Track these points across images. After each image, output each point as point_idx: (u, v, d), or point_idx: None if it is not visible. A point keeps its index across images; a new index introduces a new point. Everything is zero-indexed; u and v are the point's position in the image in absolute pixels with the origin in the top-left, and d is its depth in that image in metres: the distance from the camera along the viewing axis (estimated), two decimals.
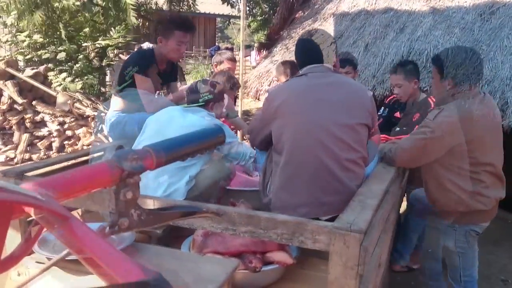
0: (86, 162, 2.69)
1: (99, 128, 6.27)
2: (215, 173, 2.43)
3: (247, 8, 10.38)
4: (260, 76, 5.96)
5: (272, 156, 2.25)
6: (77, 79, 7.24)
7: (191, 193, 2.37)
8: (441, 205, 2.57)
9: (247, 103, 8.24)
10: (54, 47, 7.50)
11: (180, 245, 2.11)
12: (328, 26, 5.92)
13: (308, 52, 2.25)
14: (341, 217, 1.58)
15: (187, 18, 3.15)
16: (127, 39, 8.48)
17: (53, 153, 6.34)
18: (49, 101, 6.72)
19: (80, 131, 6.51)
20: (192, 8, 10.22)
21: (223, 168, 2.46)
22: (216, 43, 19.99)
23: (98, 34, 7.95)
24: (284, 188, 2.13)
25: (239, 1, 10.08)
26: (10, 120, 6.34)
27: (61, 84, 6.80)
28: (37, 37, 7.51)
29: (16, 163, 5.90)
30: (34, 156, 6.20)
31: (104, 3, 7.67)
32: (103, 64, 8.40)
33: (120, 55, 9.34)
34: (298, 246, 1.97)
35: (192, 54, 16.53)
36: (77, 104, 6.64)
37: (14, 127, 6.36)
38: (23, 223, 1.96)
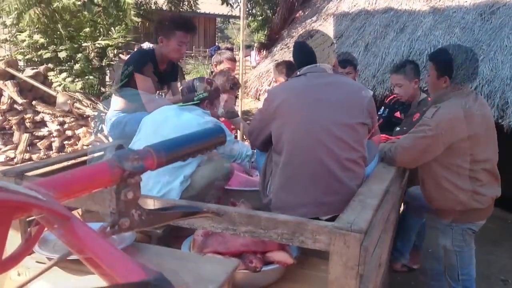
0: (86, 162, 2.70)
1: (99, 128, 6.27)
2: (211, 173, 2.40)
3: (247, 8, 10.38)
4: (260, 76, 5.96)
5: (272, 156, 2.25)
6: (77, 79, 7.23)
7: (186, 193, 2.34)
8: (438, 204, 2.59)
9: (247, 103, 8.24)
10: (54, 46, 7.49)
11: (180, 245, 2.11)
12: (328, 26, 5.93)
13: (307, 53, 2.25)
14: (342, 217, 1.58)
15: (189, 19, 3.14)
16: (127, 39, 8.48)
17: (53, 153, 6.34)
18: (49, 101, 6.72)
19: (80, 131, 6.51)
20: (193, 8, 10.21)
21: (219, 167, 2.43)
22: (216, 43, 19.98)
23: (98, 34, 7.95)
24: (284, 188, 2.13)
25: (239, 1, 10.08)
26: (10, 120, 6.34)
27: (61, 84, 6.80)
28: (37, 37, 7.50)
29: (16, 163, 5.90)
30: (34, 156, 6.20)
31: (104, 2, 7.67)
32: (103, 64, 8.40)
33: (120, 55, 9.35)
34: (299, 246, 1.97)
35: (192, 54, 16.53)
36: (77, 104, 6.64)
37: (14, 127, 6.36)
38: (23, 223, 1.96)
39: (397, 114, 3.56)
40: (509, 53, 4.29)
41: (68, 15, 7.65)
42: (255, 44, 12.07)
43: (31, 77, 6.59)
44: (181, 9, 10.19)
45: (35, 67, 7.16)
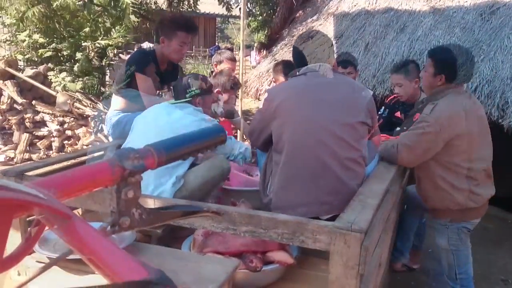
0: (86, 161, 2.69)
1: (99, 128, 6.27)
2: (205, 172, 2.36)
3: (247, 8, 10.37)
4: (260, 75, 5.96)
5: (272, 156, 2.25)
6: (76, 79, 7.23)
7: (179, 194, 2.29)
8: (433, 204, 2.60)
9: (247, 103, 8.24)
10: (55, 45, 7.49)
11: (180, 245, 2.11)
12: (329, 26, 5.93)
13: (304, 58, 2.26)
14: (342, 216, 1.58)
15: (190, 19, 3.14)
16: (127, 39, 8.47)
17: (53, 153, 6.34)
18: (49, 100, 6.72)
19: (80, 131, 6.51)
20: (193, 8, 10.21)
21: (214, 166, 2.39)
22: (216, 43, 19.99)
23: (98, 34, 7.95)
24: (284, 187, 2.13)
25: (239, 1, 10.08)
26: (10, 119, 6.34)
27: (61, 83, 6.80)
28: (36, 36, 7.50)
29: (16, 163, 5.90)
30: (34, 156, 6.20)
31: (104, 2, 7.67)
32: (103, 63, 8.40)
33: (120, 55, 9.34)
34: (299, 246, 1.97)
35: (192, 54, 16.53)
36: (77, 104, 6.64)
37: (14, 126, 6.35)
38: (23, 222, 1.96)
39: (397, 114, 3.56)
40: (509, 53, 4.29)
41: (68, 15, 7.65)
42: (255, 44, 12.07)
43: (31, 76, 6.58)
44: (181, 9, 10.18)
45: (35, 67, 7.16)
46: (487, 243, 4.04)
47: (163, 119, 2.38)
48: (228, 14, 11.86)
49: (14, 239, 0.50)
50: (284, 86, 2.42)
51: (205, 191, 2.36)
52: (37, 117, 6.48)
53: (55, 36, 7.59)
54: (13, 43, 7.95)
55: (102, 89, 8.50)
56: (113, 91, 3.25)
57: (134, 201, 0.65)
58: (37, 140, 6.43)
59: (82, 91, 7.09)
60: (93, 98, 7.01)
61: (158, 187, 2.25)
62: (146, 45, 10.03)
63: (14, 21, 7.26)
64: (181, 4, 10.07)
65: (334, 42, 5.46)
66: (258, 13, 11.27)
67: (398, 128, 3.33)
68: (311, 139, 2.08)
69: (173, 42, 2.94)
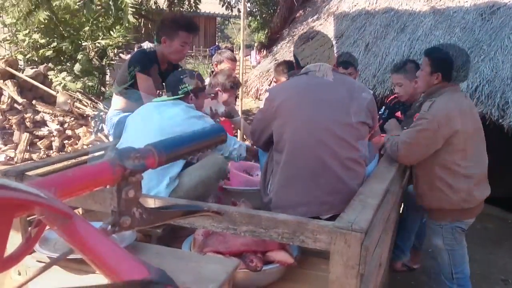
0: (86, 161, 2.69)
1: (99, 128, 6.26)
2: (201, 172, 2.32)
3: (248, 8, 10.37)
4: (260, 75, 5.96)
5: (273, 155, 2.25)
6: (77, 79, 7.23)
7: (175, 195, 2.24)
8: (429, 203, 2.62)
9: (247, 102, 8.24)
10: (55, 44, 7.49)
11: (180, 244, 2.11)
12: (329, 26, 5.93)
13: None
14: (342, 216, 1.58)
15: (191, 19, 3.14)
16: (127, 38, 8.47)
17: (53, 153, 6.34)
18: (49, 100, 6.71)
19: (80, 131, 6.51)
20: (193, 8, 10.20)
21: (210, 165, 2.35)
22: (216, 43, 19.99)
23: (98, 34, 7.95)
24: (285, 187, 2.13)
25: (239, 1, 10.08)
26: (10, 119, 6.34)
27: (61, 83, 6.80)
28: (36, 36, 7.50)
29: (16, 163, 5.90)
30: (34, 156, 6.20)
31: (103, 1, 7.67)
32: (103, 63, 8.40)
33: (121, 55, 9.34)
34: (299, 246, 1.97)
35: (192, 54, 16.53)
36: (77, 104, 6.64)
37: (14, 126, 6.36)
38: (23, 222, 1.96)
39: (398, 114, 3.56)
40: (510, 53, 4.29)
41: (67, 15, 7.65)
42: (255, 44, 12.07)
43: (31, 76, 6.58)
44: (181, 9, 10.18)
45: (35, 67, 7.16)
46: (487, 243, 4.04)
47: (154, 118, 2.35)
48: (229, 14, 11.86)
49: (14, 239, 0.50)
50: (285, 86, 2.42)
51: (201, 191, 2.32)
52: (37, 117, 6.48)
53: (55, 36, 7.59)
54: (13, 43, 7.95)
55: (102, 89, 8.50)
56: (113, 91, 3.24)
57: (135, 200, 0.65)
58: (37, 139, 6.43)
59: (82, 90, 7.09)
60: (93, 98, 7.01)
61: (151, 189, 2.22)
62: (146, 45, 10.03)
63: (14, 20, 7.26)
64: (182, 4, 10.06)
65: (334, 42, 5.46)
66: (258, 13, 11.26)
67: None
68: (311, 139, 2.08)
69: (175, 42, 2.94)
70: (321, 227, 1.52)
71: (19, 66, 7.14)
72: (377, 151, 2.59)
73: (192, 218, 1.65)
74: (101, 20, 7.94)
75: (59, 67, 7.35)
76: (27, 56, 7.66)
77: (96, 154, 2.81)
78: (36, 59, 7.66)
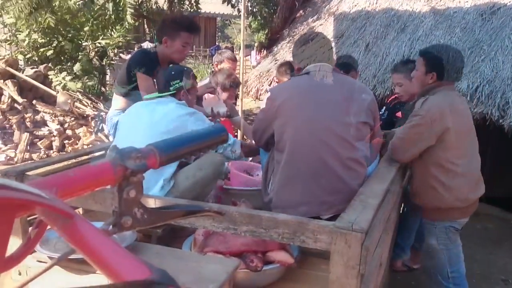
0: (87, 161, 2.70)
1: (100, 127, 6.26)
2: (196, 172, 2.28)
3: (249, 8, 10.36)
4: (261, 75, 5.96)
5: (274, 155, 2.25)
6: (77, 79, 7.24)
7: (170, 196, 2.20)
8: (422, 201, 2.64)
9: (247, 102, 8.24)
10: (56, 44, 7.50)
11: (180, 244, 2.11)
12: (329, 26, 5.93)
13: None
14: (343, 216, 1.58)
15: (193, 20, 3.14)
16: (127, 38, 8.48)
17: (53, 153, 6.34)
18: (49, 100, 6.71)
19: (80, 131, 6.51)
20: (194, 8, 10.21)
21: (206, 164, 2.31)
22: (217, 43, 19.99)
23: (99, 34, 7.95)
24: (285, 186, 2.13)
25: (240, 1, 10.07)
26: (10, 119, 6.34)
27: (61, 83, 6.80)
28: (36, 36, 7.51)
29: (16, 163, 5.89)
30: (34, 156, 6.20)
31: (103, 1, 7.68)
32: (103, 63, 8.40)
33: (121, 55, 9.34)
34: (299, 246, 1.97)
35: (193, 54, 16.53)
36: (77, 104, 6.63)
37: (14, 126, 6.35)
38: (23, 222, 1.96)
39: (398, 114, 3.56)
40: (510, 53, 4.28)
41: (67, 15, 7.65)
42: (256, 44, 12.06)
43: (31, 76, 6.58)
44: (181, 9, 10.18)
45: (35, 67, 7.16)
46: (487, 243, 4.05)
47: (145, 118, 2.31)
48: (229, 14, 11.87)
49: (13, 239, 0.50)
50: (286, 86, 2.42)
51: (198, 191, 2.29)
52: (38, 117, 6.48)
53: (55, 36, 7.59)
54: (13, 43, 7.95)
55: (102, 89, 8.50)
56: (114, 91, 3.25)
57: (136, 200, 0.64)
58: (37, 139, 6.43)
59: (82, 90, 7.10)
60: (93, 98, 7.01)
61: (146, 191, 2.17)
62: (146, 45, 10.03)
63: (15, 20, 7.26)
64: (182, 4, 10.07)
65: (334, 42, 5.47)
66: (258, 13, 11.26)
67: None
68: (312, 139, 2.09)
69: (176, 42, 2.93)
70: (322, 227, 1.52)
71: (19, 66, 7.14)
72: (378, 151, 2.59)
73: (192, 218, 1.65)
74: (100, 19, 7.95)
75: (59, 67, 7.36)
76: (27, 56, 7.66)
77: (97, 154, 2.81)
78: (36, 59, 7.66)
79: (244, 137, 4.63)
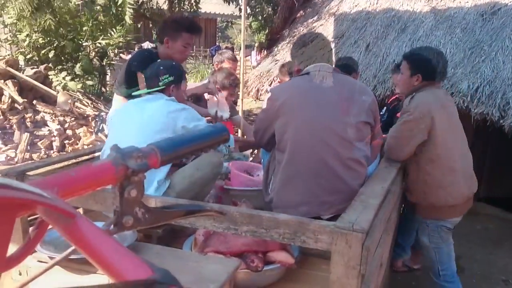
0: (87, 161, 2.69)
1: (100, 128, 6.27)
2: (193, 172, 2.26)
3: (248, 8, 10.36)
4: (261, 75, 5.95)
5: (275, 155, 2.25)
6: (77, 79, 7.24)
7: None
8: (416, 198, 2.68)
9: (247, 103, 8.24)
10: (57, 44, 7.50)
11: (180, 244, 2.11)
12: (329, 26, 5.92)
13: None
14: (343, 216, 1.58)
15: (194, 21, 3.14)
16: (128, 38, 8.48)
17: (53, 153, 6.34)
18: (49, 100, 6.71)
19: (80, 131, 6.51)
20: (194, 8, 10.21)
21: (203, 164, 2.28)
22: (217, 43, 20.00)
23: (99, 34, 7.96)
24: (286, 186, 2.13)
25: (240, 0, 10.08)
26: (10, 119, 6.34)
27: (61, 83, 6.80)
28: (36, 36, 7.51)
29: (17, 163, 5.89)
30: (35, 156, 6.20)
31: (104, 1, 7.68)
32: (104, 63, 8.40)
33: (121, 55, 9.33)
34: (300, 247, 1.97)
35: (193, 54, 16.53)
36: (77, 104, 6.63)
37: (14, 126, 6.35)
38: (23, 222, 1.96)
39: (398, 114, 3.56)
40: (510, 54, 4.28)
41: (67, 15, 7.66)
42: (256, 44, 12.07)
43: (31, 76, 6.58)
44: (182, 9, 10.19)
45: (35, 67, 7.16)
46: (487, 243, 4.05)
47: (135, 118, 2.29)
48: (229, 14, 11.87)
49: (13, 239, 0.50)
50: (287, 86, 2.43)
51: (195, 191, 2.26)
52: (38, 117, 6.48)
53: (56, 36, 7.59)
54: (13, 43, 7.95)
55: (103, 89, 8.50)
56: (115, 91, 3.25)
57: (137, 200, 0.64)
58: (37, 139, 6.43)
59: (82, 90, 7.10)
60: (93, 98, 7.01)
61: None
62: (146, 45, 10.03)
63: (15, 20, 7.27)
64: (182, 5, 10.08)
65: (335, 42, 5.46)
66: (259, 13, 11.27)
67: None
68: (313, 139, 2.09)
69: (178, 43, 2.93)
70: (322, 227, 1.52)
71: (20, 66, 7.14)
72: (378, 152, 2.59)
73: (192, 218, 1.65)
74: (99, 19, 7.95)
75: (60, 67, 7.36)
76: (28, 56, 7.67)
77: (97, 154, 2.81)
78: (37, 59, 7.67)
79: (245, 136, 4.63)
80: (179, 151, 0.72)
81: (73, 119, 6.54)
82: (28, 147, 6.23)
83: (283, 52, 6.25)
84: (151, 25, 10.67)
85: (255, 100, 7.14)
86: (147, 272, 0.42)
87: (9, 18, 7.39)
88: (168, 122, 2.23)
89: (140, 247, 1.76)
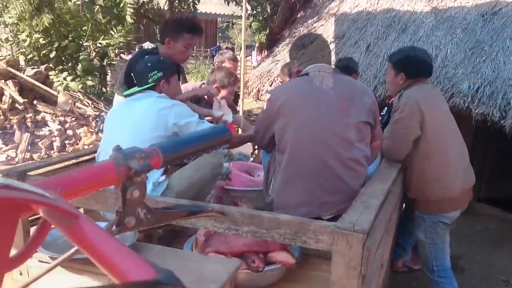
0: (88, 161, 2.70)
1: (100, 128, 6.27)
2: (192, 173, 2.25)
3: (248, 8, 10.36)
4: (261, 76, 5.95)
5: (275, 156, 2.25)
6: (77, 79, 7.25)
7: None
8: (412, 193, 2.69)
9: (248, 103, 8.24)
10: (57, 44, 7.50)
11: (180, 244, 2.11)
12: (330, 27, 5.92)
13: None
14: (344, 217, 1.58)
15: (196, 21, 3.14)
16: (128, 39, 8.49)
17: (54, 153, 6.34)
18: (50, 100, 6.71)
19: (81, 131, 6.51)
20: (191, 8, 10.21)
21: (203, 165, 2.26)
22: (217, 43, 20.00)
23: (99, 34, 7.96)
24: (286, 187, 2.13)
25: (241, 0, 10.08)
26: (11, 119, 6.34)
27: (62, 83, 6.80)
28: (37, 36, 7.51)
29: (17, 163, 5.90)
30: (35, 156, 6.20)
31: (104, 1, 7.69)
32: (104, 64, 8.41)
33: (122, 55, 9.34)
34: (300, 247, 1.97)
35: (193, 54, 16.54)
36: (78, 104, 6.64)
37: (15, 126, 6.36)
38: (24, 222, 1.96)
39: None
40: (511, 54, 4.28)
41: (67, 15, 7.67)
42: (256, 44, 12.07)
43: (32, 76, 6.59)
44: (182, 9, 10.20)
45: (36, 67, 7.16)
46: (487, 244, 4.04)
47: (126, 119, 2.27)
48: (229, 14, 11.87)
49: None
50: (286, 87, 2.42)
51: (194, 192, 2.25)
52: (38, 117, 6.48)
53: (56, 36, 7.60)
54: (14, 43, 7.96)
55: (103, 89, 8.50)
56: (115, 91, 3.25)
57: (140, 200, 0.65)
58: (38, 140, 6.43)
59: (83, 91, 7.10)
60: (94, 98, 7.02)
61: None
62: (147, 45, 10.04)
63: (16, 21, 7.27)
64: (182, 5, 10.08)
65: (335, 43, 5.46)
66: (260, 13, 11.27)
67: None
68: (313, 139, 2.09)
69: (179, 43, 2.93)
70: (323, 227, 1.52)
71: (20, 66, 7.15)
72: (378, 153, 2.59)
73: (193, 219, 1.65)
74: (98, 20, 7.96)
75: (60, 67, 7.37)
76: (28, 57, 7.67)
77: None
78: (37, 59, 7.68)
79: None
80: (181, 152, 0.73)
81: (73, 119, 6.54)
82: (29, 147, 6.24)
83: (284, 53, 6.25)
84: (146, 25, 10.68)
85: (255, 100, 7.14)
86: (150, 272, 0.42)
87: (9, 18, 7.39)
88: (159, 119, 2.21)
89: (140, 247, 1.76)
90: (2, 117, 6.35)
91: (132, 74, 2.77)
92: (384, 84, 4.75)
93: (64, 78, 6.86)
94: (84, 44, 7.87)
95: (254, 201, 2.27)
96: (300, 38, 2.44)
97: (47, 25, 6.85)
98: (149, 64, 2.39)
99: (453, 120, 2.71)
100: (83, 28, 7.80)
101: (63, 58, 7.75)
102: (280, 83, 4.07)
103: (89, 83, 7.71)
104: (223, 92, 3.42)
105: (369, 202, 1.75)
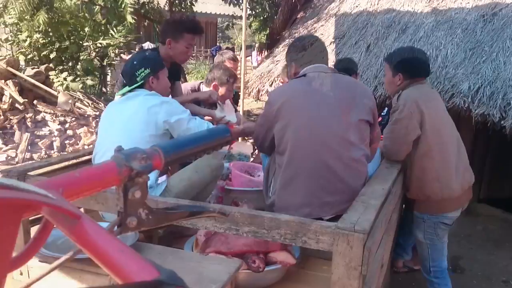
0: (88, 161, 2.70)
1: None
2: (191, 174, 2.24)
3: (248, 8, 10.36)
4: (261, 76, 5.95)
5: (275, 158, 2.25)
6: (77, 79, 7.25)
7: None
8: (411, 193, 2.69)
9: (248, 103, 8.24)
10: (58, 44, 7.51)
11: (181, 245, 2.11)
12: (330, 27, 5.93)
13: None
14: (345, 217, 1.58)
15: (197, 21, 3.14)
16: (128, 39, 8.48)
17: (54, 153, 6.34)
18: (50, 100, 6.72)
19: (81, 131, 6.51)
20: (188, 8, 10.21)
21: (202, 167, 2.26)
22: (217, 43, 19.99)
23: (99, 34, 7.96)
24: (287, 188, 2.13)
25: (241, 0, 10.08)
26: (11, 119, 6.34)
27: (62, 83, 6.81)
28: (37, 36, 7.51)
29: (17, 163, 5.90)
30: (35, 156, 6.20)
31: (104, 2, 7.69)
32: (104, 63, 8.41)
33: (122, 55, 9.33)
34: (300, 247, 1.97)
35: (194, 54, 16.53)
36: (78, 104, 6.64)
37: (15, 126, 6.36)
38: (25, 222, 1.96)
39: None
40: (511, 55, 4.28)
41: (67, 15, 7.67)
42: (256, 45, 12.06)
43: (32, 76, 6.59)
44: (182, 9, 10.19)
45: (36, 67, 7.16)
46: (488, 244, 4.05)
47: (117, 120, 2.27)
48: (230, 14, 11.87)
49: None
50: (284, 89, 2.42)
51: (193, 194, 2.24)
52: (38, 117, 6.48)
53: (56, 36, 7.60)
54: (14, 43, 7.96)
55: (103, 89, 8.50)
56: (115, 92, 3.25)
57: (141, 201, 0.65)
58: (38, 139, 6.43)
59: (83, 91, 7.11)
60: (94, 98, 7.02)
61: None
62: (147, 45, 10.03)
63: (16, 21, 7.27)
64: (182, 5, 10.08)
65: (335, 43, 5.47)
66: (260, 12, 11.26)
67: None
68: (313, 141, 2.08)
69: (180, 43, 2.93)
70: (324, 228, 1.52)
71: (20, 66, 7.15)
72: (375, 154, 2.59)
73: (194, 219, 1.65)
74: (98, 20, 7.96)
75: (60, 67, 7.37)
76: (29, 57, 7.67)
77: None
78: (37, 59, 7.68)
79: (246, 137, 4.64)
80: (182, 153, 0.73)
81: (73, 119, 6.55)
82: (29, 147, 6.24)
83: (284, 53, 6.25)
84: (147, 25, 10.68)
85: (255, 101, 7.14)
86: (153, 273, 0.42)
87: (9, 18, 7.39)
88: (149, 118, 2.20)
89: (141, 247, 1.76)
90: (2, 117, 6.35)
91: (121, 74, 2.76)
92: (384, 84, 4.75)
93: (64, 78, 6.86)
94: (84, 44, 7.87)
95: (254, 201, 2.27)
96: (299, 40, 2.44)
97: (41, 23, 6.83)
98: (135, 63, 2.36)
99: (450, 119, 2.72)
100: (84, 29, 7.80)
101: (63, 58, 7.75)
102: (281, 83, 4.07)
103: (89, 83, 7.71)
104: (222, 90, 3.41)
105: (370, 203, 1.76)
